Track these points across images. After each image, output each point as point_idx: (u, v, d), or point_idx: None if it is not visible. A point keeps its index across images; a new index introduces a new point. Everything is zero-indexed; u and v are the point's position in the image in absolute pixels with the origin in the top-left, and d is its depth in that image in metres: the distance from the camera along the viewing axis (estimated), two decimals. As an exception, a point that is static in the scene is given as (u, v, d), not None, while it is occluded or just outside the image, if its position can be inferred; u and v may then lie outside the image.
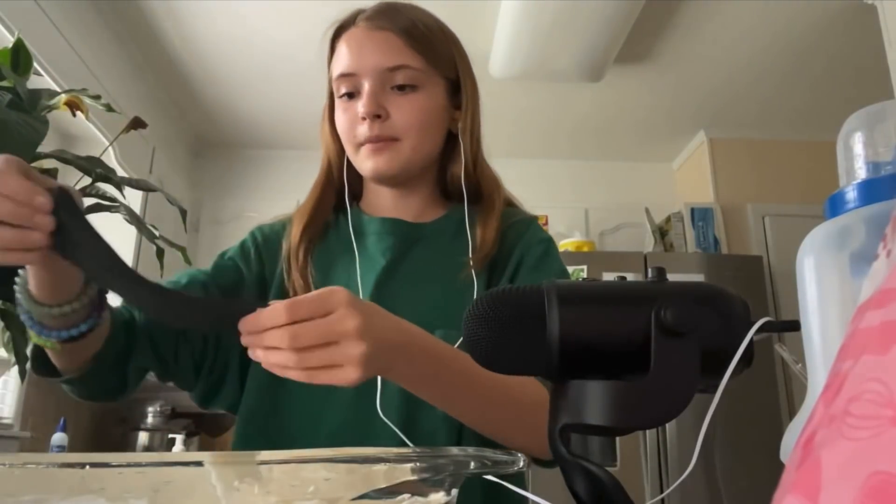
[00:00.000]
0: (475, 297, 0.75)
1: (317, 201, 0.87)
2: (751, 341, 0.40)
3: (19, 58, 1.05)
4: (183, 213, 1.22)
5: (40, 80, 2.17)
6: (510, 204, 0.92)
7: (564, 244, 3.24)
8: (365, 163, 0.81)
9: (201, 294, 0.78)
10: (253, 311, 0.51)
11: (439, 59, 0.82)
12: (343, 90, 0.80)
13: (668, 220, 3.40)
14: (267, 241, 0.88)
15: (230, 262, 0.85)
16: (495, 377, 0.62)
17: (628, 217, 3.67)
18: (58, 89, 1.10)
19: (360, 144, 0.80)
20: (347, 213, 0.87)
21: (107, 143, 1.28)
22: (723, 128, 3.57)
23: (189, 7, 2.64)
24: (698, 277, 2.87)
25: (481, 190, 0.87)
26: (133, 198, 2.61)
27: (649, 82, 3.15)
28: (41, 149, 0.95)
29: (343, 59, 0.80)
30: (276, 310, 0.50)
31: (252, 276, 0.84)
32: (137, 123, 1.16)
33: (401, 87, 0.79)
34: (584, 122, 3.53)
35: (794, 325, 0.39)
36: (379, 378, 0.71)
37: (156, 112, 3.18)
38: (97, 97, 1.12)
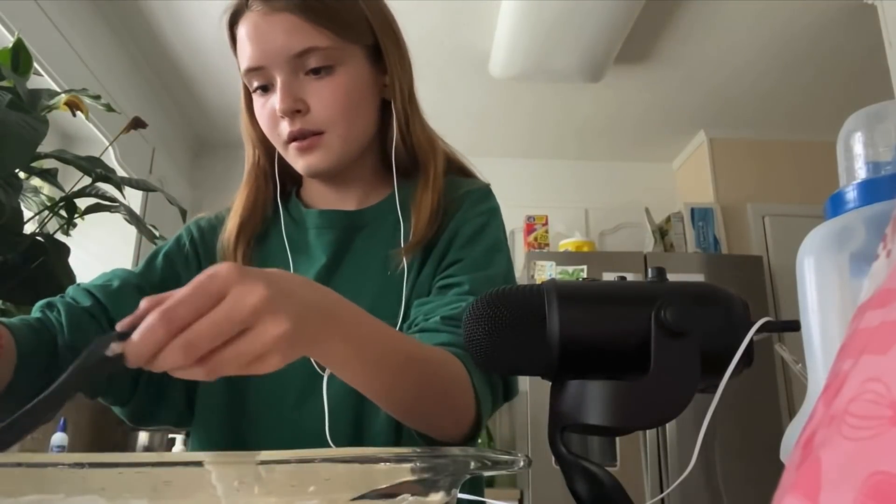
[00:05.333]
0: (404, 288, 0.74)
1: (251, 200, 0.81)
2: (751, 341, 0.40)
3: (19, 58, 1.05)
4: (183, 213, 1.22)
5: (40, 80, 2.17)
6: (461, 169, 0.87)
7: (564, 244, 3.23)
8: (296, 162, 0.76)
9: (137, 299, 0.72)
10: (119, 339, 0.38)
11: (350, 27, 0.73)
12: (255, 84, 0.74)
13: (668, 220, 3.40)
14: (204, 237, 0.82)
15: (165, 261, 0.79)
16: (422, 350, 0.59)
17: (628, 217, 3.66)
18: (58, 89, 1.10)
19: (287, 142, 0.74)
20: (287, 206, 0.83)
21: (107, 143, 1.28)
22: (723, 128, 3.57)
23: (189, 7, 2.64)
24: (698, 277, 2.87)
25: (416, 160, 0.81)
26: (133, 198, 2.62)
27: (649, 82, 3.15)
28: (41, 149, 0.95)
29: (246, 52, 0.72)
30: (150, 328, 0.38)
31: (190, 279, 0.78)
32: (137, 123, 1.16)
33: (315, 71, 0.71)
34: (584, 123, 3.53)
35: (794, 325, 0.39)
36: (325, 398, 0.66)
37: (156, 112, 3.18)
38: (97, 97, 1.12)
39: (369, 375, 0.53)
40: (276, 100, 0.72)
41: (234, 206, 0.82)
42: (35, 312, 0.69)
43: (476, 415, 0.63)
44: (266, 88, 0.74)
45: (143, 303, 0.40)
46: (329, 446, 0.67)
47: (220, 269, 0.40)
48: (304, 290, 0.45)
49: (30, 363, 0.61)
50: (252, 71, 0.73)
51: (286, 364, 0.42)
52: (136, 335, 0.37)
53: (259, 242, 0.82)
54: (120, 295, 0.72)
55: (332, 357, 0.49)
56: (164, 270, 0.78)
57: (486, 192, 0.83)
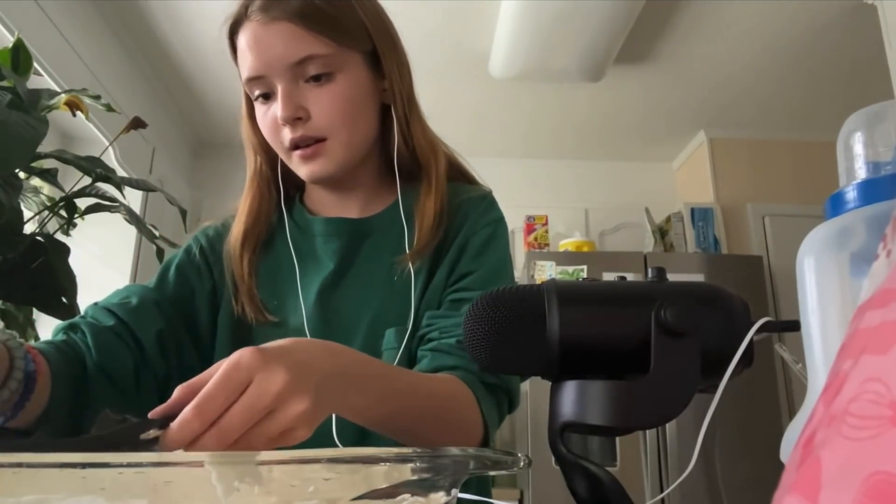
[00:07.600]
0: (412, 294, 0.75)
1: (254, 207, 0.82)
2: (751, 341, 0.40)
3: (19, 58, 1.05)
4: (183, 213, 1.22)
5: (40, 80, 2.17)
6: (461, 172, 0.88)
7: (564, 244, 3.23)
8: (299, 169, 0.77)
9: (157, 314, 0.74)
10: (157, 426, 0.40)
11: (348, 34, 0.74)
12: (256, 92, 0.75)
13: (668, 220, 3.40)
14: (212, 246, 0.83)
15: (177, 273, 0.80)
16: (425, 380, 0.61)
17: (628, 217, 3.66)
18: (58, 89, 1.10)
19: (290, 149, 0.75)
20: (292, 212, 0.84)
21: (107, 143, 1.28)
22: (723, 128, 3.56)
23: (189, 7, 2.64)
24: (698, 277, 2.86)
25: (419, 163, 0.82)
26: (133, 198, 2.61)
27: (649, 82, 3.15)
28: (41, 149, 0.95)
29: (247, 61, 0.73)
30: (186, 421, 0.39)
31: (203, 289, 0.81)
32: (137, 123, 1.16)
33: (315, 78, 0.72)
34: (585, 123, 3.53)
35: (794, 325, 0.39)
36: None
37: (156, 112, 3.17)
38: (97, 97, 1.12)
39: (378, 416, 0.55)
40: (277, 107, 0.73)
41: (238, 214, 0.83)
42: (58, 334, 0.69)
43: (483, 438, 0.65)
44: (267, 96, 0.75)
45: (177, 391, 0.42)
46: (336, 445, 0.67)
47: (242, 358, 0.42)
48: (321, 356, 0.48)
49: (62, 387, 0.62)
50: (253, 80, 0.74)
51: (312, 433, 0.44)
52: (174, 426, 0.40)
53: (264, 249, 0.82)
54: (140, 312, 0.73)
55: (348, 411, 0.52)
56: (176, 283, 0.79)
57: (491, 201, 0.84)
